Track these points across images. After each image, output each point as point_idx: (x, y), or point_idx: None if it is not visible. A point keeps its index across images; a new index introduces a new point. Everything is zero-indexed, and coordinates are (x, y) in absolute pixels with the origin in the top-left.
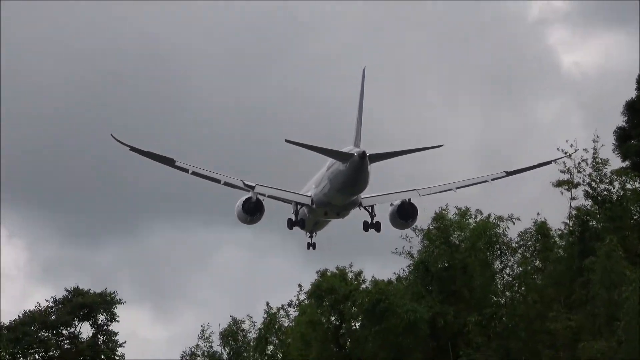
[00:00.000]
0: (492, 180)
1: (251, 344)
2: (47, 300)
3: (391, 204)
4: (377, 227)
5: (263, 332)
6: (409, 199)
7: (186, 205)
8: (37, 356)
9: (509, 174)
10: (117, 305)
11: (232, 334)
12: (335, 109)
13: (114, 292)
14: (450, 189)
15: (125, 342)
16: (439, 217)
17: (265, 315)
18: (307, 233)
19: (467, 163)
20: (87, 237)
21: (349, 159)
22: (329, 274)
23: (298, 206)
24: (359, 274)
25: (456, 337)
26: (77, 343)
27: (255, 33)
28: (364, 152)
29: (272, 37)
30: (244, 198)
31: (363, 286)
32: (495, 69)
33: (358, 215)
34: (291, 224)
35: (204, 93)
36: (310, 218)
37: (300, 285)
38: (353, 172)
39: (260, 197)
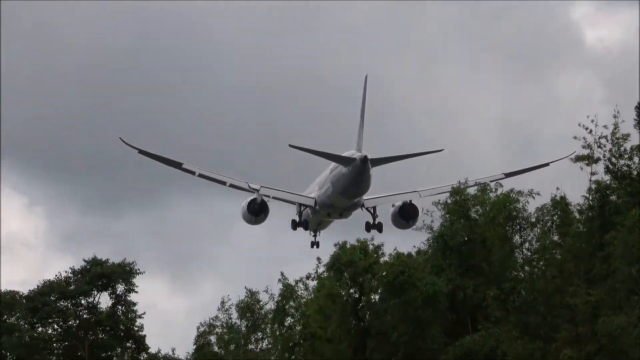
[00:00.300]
0: (491, 181)
1: (269, 316)
2: (66, 271)
3: (393, 205)
4: (379, 227)
5: (281, 304)
6: (410, 200)
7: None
8: (55, 326)
9: (507, 175)
10: (136, 276)
11: (248, 306)
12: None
13: (133, 263)
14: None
15: (144, 313)
16: (457, 192)
17: (282, 286)
18: (311, 232)
19: (489, 138)
20: (108, 207)
21: (351, 163)
22: (348, 246)
23: (302, 207)
24: (378, 246)
25: (475, 310)
26: (96, 313)
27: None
28: (365, 157)
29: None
30: (249, 199)
31: (383, 259)
32: (519, 44)
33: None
34: (295, 225)
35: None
36: (314, 219)
37: (318, 258)
38: (355, 176)
39: (265, 199)
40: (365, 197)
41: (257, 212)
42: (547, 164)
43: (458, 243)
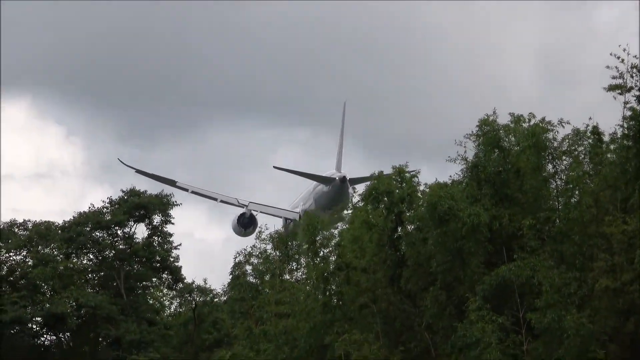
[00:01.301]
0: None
1: (303, 245)
2: (103, 201)
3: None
4: None
5: (313, 235)
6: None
7: (245, 103)
8: (91, 256)
9: None
10: (172, 207)
11: (280, 236)
12: None
13: (170, 194)
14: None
15: (180, 244)
16: (486, 122)
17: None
18: None
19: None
20: (145, 136)
21: (331, 182)
22: (382, 177)
23: (287, 221)
24: (414, 175)
25: (510, 240)
26: (132, 244)
27: None
28: (344, 177)
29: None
30: (239, 213)
31: (420, 188)
32: None
33: None
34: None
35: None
36: None
37: (354, 188)
38: (335, 194)
39: (254, 212)
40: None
41: (246, 225)
42: None
43: (492, 173)
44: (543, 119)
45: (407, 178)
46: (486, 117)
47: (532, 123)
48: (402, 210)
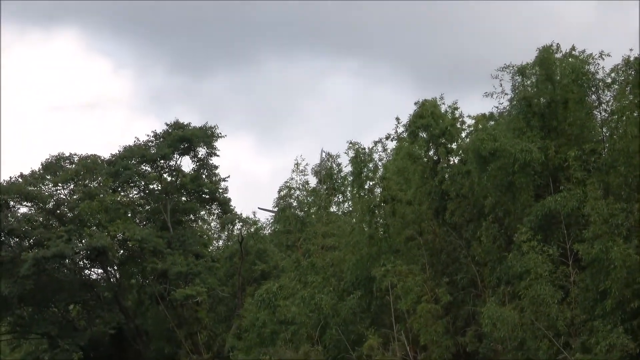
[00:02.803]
0: None
1: (348, 178)
2: (148, 135)
3: None
4: None
5: (360, 167)
6: None
7: (295, 31)
8: (137, 190)
9: None
10: (217, 139)
11: (326, 169)
12: None
13: (215, 126)
14: None
15: (228, 176)
16: (546, 50)
17: (353, 152)
18: None
19: None
20: (195, 66)
21: None
22: (427, 105)
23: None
24: (455, 108)
25: (557, 172)
26: (179, 176)
27: None
28: None
29: None
30: None
31: (461, 119)
32: None
33: None
34: None
35: None
36: None
37: (397, 119)
38: None
39: None
40: None
41: None
42: None
43: (542, 105)
44: (583, 51)
45: (442, 113)
46: (545, 45)
47: (580, 55)
48: (443, 143)
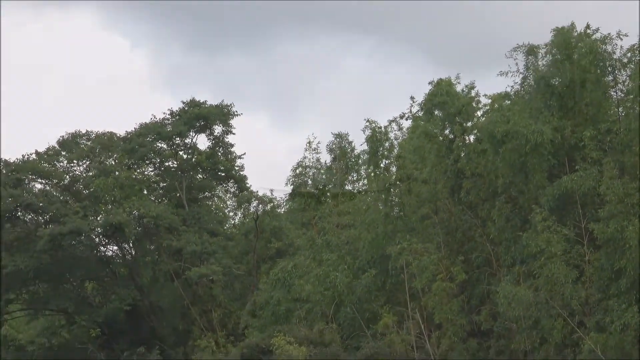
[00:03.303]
0: None
1: (362, 157)
2: (164, 112)
3: None
4: None
5: (375, 146)
6: None
7: (311, 10)
8: (152, 167)
9: None
10: (233, 117)
11: (340, 148)
12: None
13: (231, 104)
14: None
15: (244, 153)
16: (564, 31)
17: (369, 130)
18: None
19: None
20: (210, 45)
21: None
22: (442, 84)
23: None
24: (472, 87)
25: (573, 152)
26: (195, 154)
27: None
28: None
29: None
30: None
31: (477, 99)
32: None
33: None
34: None
35: None
36: None
37: (412, 98)
38: None
39: None
40: None
41: None
42: None
43: (561, 85)
44: (597, 29)
45: (458, 93)
46: (563, 27)
47: (597, 35)
48: (459, 122)
